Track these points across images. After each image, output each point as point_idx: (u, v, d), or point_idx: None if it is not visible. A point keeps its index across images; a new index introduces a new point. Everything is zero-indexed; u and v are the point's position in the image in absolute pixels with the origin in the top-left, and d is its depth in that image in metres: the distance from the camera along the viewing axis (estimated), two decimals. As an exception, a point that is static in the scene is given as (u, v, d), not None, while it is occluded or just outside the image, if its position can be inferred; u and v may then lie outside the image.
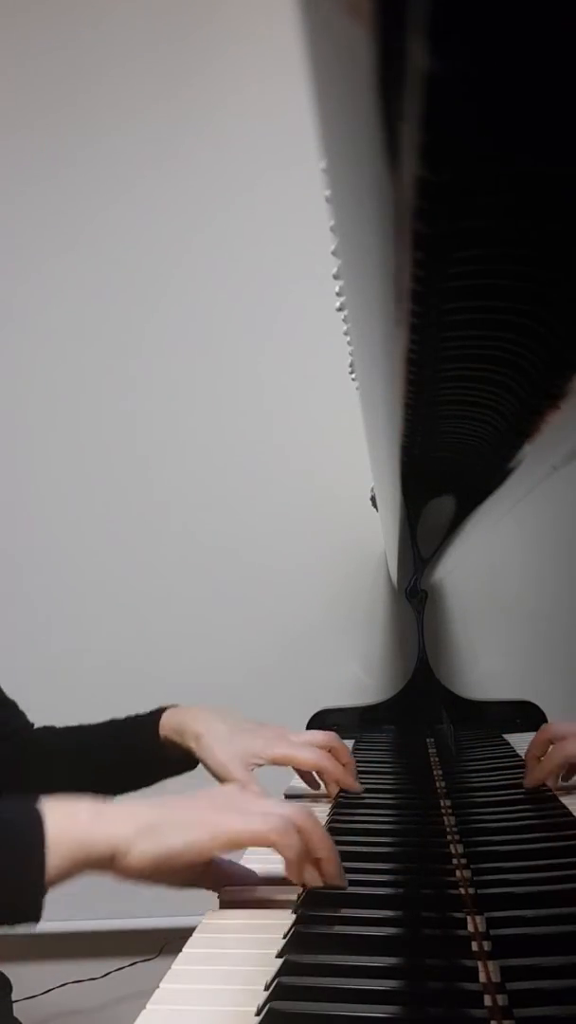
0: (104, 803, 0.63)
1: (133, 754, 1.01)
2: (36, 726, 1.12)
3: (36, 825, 0.58)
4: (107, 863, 0.59)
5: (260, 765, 0.93)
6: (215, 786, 0.77)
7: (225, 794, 0.71)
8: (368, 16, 0.16)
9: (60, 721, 1.15)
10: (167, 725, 0.98)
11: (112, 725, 1.05)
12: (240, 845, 0.65)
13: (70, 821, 0.59)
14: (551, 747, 0.93)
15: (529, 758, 0.94)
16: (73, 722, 1.14)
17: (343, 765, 0.96)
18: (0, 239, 1.73)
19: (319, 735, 0.99)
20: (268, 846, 0.63)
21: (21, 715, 1.12)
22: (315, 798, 0.98)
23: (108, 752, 1.03)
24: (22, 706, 1.16)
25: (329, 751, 0.96)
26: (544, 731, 0.96)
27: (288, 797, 0.99)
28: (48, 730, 1.10)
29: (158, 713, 1.00)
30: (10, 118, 1.72)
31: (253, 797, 0.69)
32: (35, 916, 0.58)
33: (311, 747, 0.95)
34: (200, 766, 0.97)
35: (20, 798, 0.61)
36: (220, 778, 0.92)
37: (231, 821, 0.63)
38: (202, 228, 1.68)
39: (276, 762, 0.93)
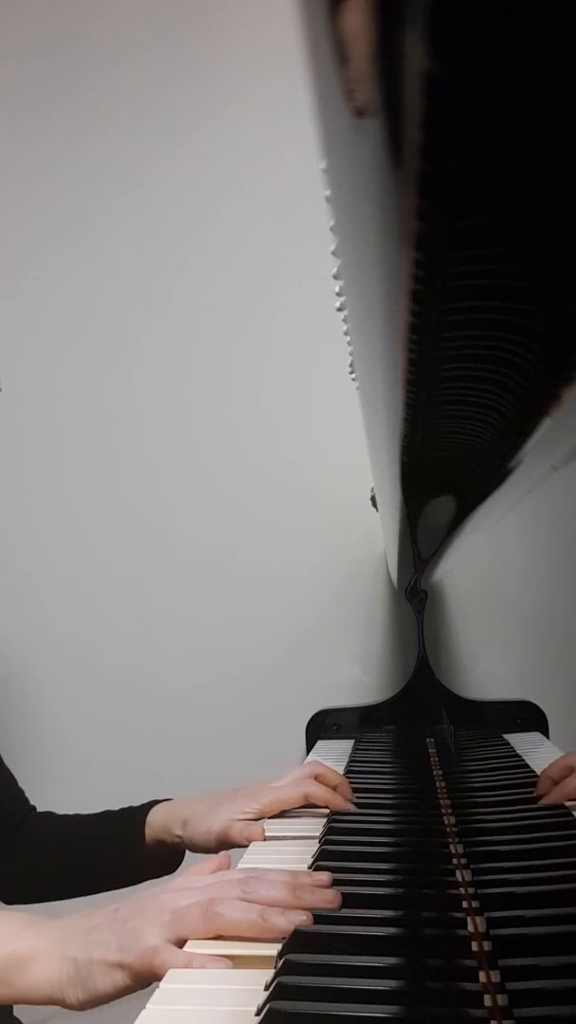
0: (28, 937, 0.62)
1: (118, 857, 1.00)
2: (38, 810, 1.10)
3: None
4: (50, 1004, 0.62)
5: (253, 819, 0.91)
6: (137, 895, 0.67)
7: (152, 911, 0.62)
8: (368, 15, 0.16)
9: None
10: (154, 825, 0.98)
11: (103, 822, 1.03)
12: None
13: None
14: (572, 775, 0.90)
15: (544, 777, 0.91)
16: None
17: (334, 787, 0.94)
18: None
19: (299, 770, 0.96)
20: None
21: (19, 795, 1.10)
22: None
23: (96, 851, 1.02)
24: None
25: (316, 778, 0.94)
26: (569, 757, 0.94)
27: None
28: (47, 818, 1.09)
29: (144, 814, 0.99)
30: (9, 117, 1.72)
31: (179, 897, 0.63)
32: None
33: (292, 784, 0.93)
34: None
35: None
36: (212, 849, 0.91)
37: (152, 957, 0.58)
38: (202, 228, 1.68)
39: (266, 812, 0.92)
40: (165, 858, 0.99)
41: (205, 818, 0.93)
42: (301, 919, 0.59)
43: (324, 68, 0.19)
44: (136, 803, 1.03)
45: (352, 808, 0.92)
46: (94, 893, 1.04)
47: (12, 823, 1.06)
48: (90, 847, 1.02)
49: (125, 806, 1.03)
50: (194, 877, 0.67)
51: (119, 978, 0.59)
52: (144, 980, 0.59)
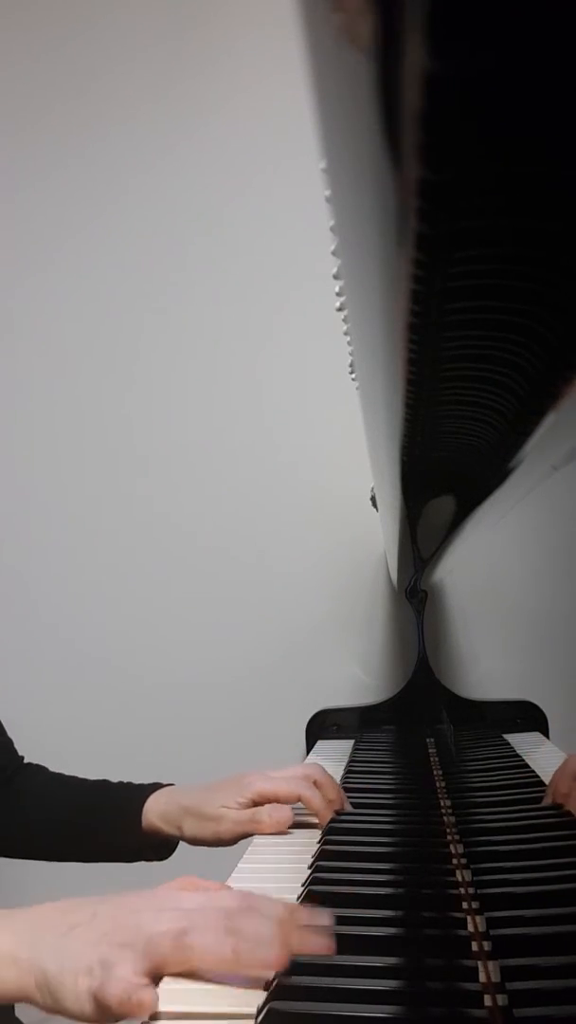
0: None
1: (113, 837, 0.98)
2: (27, 761, 1.09)
3: None
4: (21, 1001, 0.57)
5: (245, 806, 0.90)
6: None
7: (127, 931, 0.56)
8: (368, 15, 0.16)
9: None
10: (152, 811, 0.95)
11: (101, 794, 1.01)
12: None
13: None
14: None
15: (557, 793, 0.87)
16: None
17: (329, 800, 0.90)
18: None
19: (299, 768, 0.94)
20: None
21: (8, 745, 1.08)
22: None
23: (92, 824, 1.00)
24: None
25: (314, 784, 0.91)
26: (570, 763, 0.90)
27: None
28: (40, 773, 1.07)
29: (143, 800, 0.96)
30: (8, 117, 1.72)
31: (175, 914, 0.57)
32: None
33: (288, 781, 0.90)
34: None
35: None
36: (219, 837, 0.90)
37: (129, 994, 0.52)
38: (202, 228, 1.68)
39: (257, 800, 0.90)
40: (158, 844, 0.97)
41: (206, 808, 0.91)
42: (276, 955, 0.53)
43: (325, 67, 0.19)
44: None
45: (345, 807, 0.90)
46: (90, 862, 1.03)
47: (4, 775, 1.04)
48: (86, 818, 1.01)
49: (125, 781, 1.02)
50: (185, 894, 0.60)
51: (87, 1007, 0.53)
52: (113, 1016, 0.53)
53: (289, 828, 0.89)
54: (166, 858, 0.99)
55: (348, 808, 0.92)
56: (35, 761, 1.10)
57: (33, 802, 1.03)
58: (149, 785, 0.99)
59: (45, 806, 1.03)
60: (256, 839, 0.87)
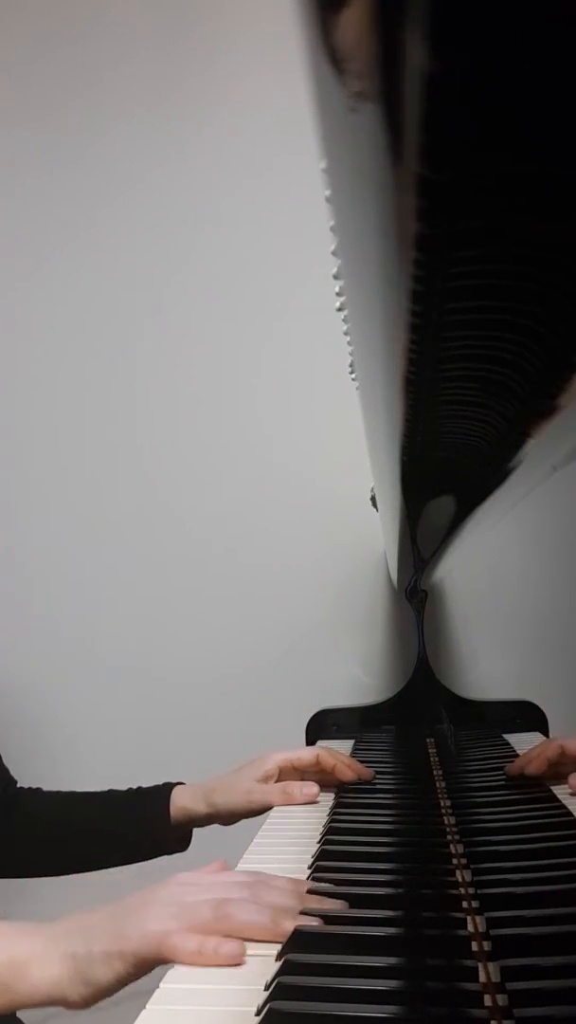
0: (24, 942, 0.59)
1: (142, 832, 1.02)
2: (20, 786, 1.09)
3: None
4: (53, 1005, 0.59)
5: (271, 777, 0.99)
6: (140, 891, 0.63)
7: (158, 902, 0.60)
8: (368, 15, 0.16)
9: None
10: (181, 798, 1.00)
11: (113, 797, 1.04)
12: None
13: None
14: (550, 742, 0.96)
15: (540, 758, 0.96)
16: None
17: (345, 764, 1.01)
18: (1, 238, 1.73)
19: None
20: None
21: (8, 775, 1.09)
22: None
23: (118, 826, 1.03)
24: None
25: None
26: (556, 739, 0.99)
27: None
28: (39, 795, 1.08)
29: (169, 789, 1.01)
30: (10, 116, 1.72)
31: (192, 892, 0.61)
32: None
33: (304, 749, 1.02)
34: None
35: None
36: (251, 803, 0.97)
37: (160, 940, 0.57)
38: (202, 228, 1.68)
39: (282, 766, 1.00)
40: (184, 834, 1.02)
41: (236, 784, 0.98)
42: (312, 924, 0.58)
43: (324, 68, 0.19)
44: None
45: (368, 775, 1.01)
46: (98, 869, 1.06)
47: (4, 800, 1.06)
48: (111, 824, 1.03)
49: (130, 787, 1.05)
50: (197, 875, 0.64)
51: (119, 966, 0.57)
52: (146, 966, 0.57)
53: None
54: (186, 848, 1.03)
55: (370, 774, 1.02)
56: (31, 767, 1.10)
57: (45, 821, 1.05)
58: (165, 783, 1.03)
59: (59, 823, 1.05)
60: (262, 828, 0.88)
